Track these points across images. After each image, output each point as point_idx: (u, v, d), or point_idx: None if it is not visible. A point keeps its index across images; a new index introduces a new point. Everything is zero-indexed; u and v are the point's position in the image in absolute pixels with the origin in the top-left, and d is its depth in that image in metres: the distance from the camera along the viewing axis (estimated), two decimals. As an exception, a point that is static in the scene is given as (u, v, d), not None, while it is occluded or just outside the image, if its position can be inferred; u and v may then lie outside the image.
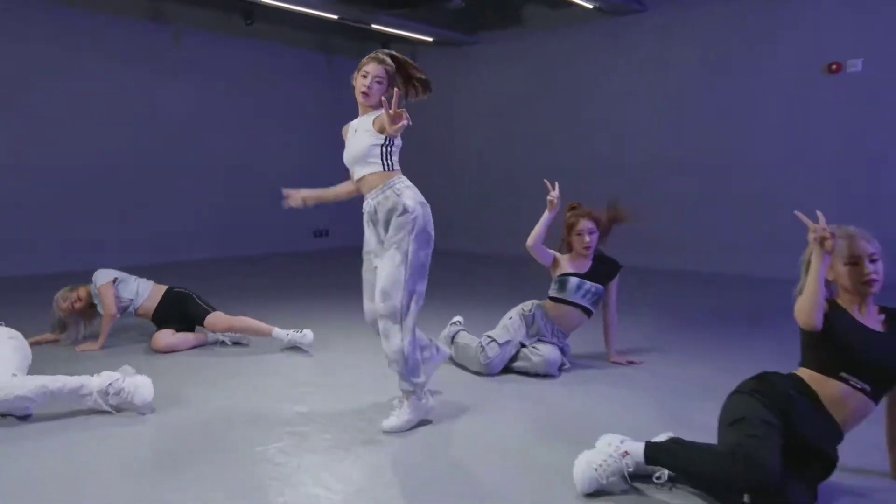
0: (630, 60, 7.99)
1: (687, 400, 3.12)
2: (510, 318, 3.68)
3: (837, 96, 6.70)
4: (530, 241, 3.61)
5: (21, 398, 2.74)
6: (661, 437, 2.32)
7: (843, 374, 2.17)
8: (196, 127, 8.59)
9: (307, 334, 4.10)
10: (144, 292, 4.20)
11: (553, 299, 3.70)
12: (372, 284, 2.81)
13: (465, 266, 8.05)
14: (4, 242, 7.06)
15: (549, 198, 3.55)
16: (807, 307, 2.12)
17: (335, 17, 8.03)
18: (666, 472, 2.20)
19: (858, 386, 2.17)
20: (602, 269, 3.72)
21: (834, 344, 2.18)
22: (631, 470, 2.20)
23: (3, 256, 7.04)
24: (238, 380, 3.50)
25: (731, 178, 7.31)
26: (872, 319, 2.24)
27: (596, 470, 2.18)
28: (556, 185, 3.58)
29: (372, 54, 2.86)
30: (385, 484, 2.29)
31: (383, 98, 2.58)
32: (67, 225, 7.50)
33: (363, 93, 2.80)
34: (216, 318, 4.15)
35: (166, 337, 4.05)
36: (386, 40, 9.41)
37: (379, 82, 2.80)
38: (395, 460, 2.49)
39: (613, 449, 2.23)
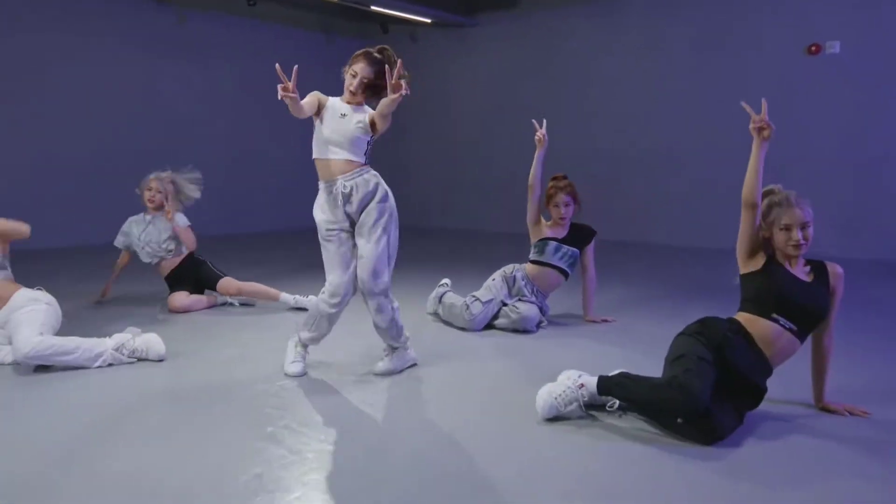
0: (625, 43, 8.19)
1: (649, 351, 3.42)
2: (493, 279, 4.01)
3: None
4: (531, 178, 3.94)
5: (42, 356, 3.03)
6: (613, 373, 2.65)
7: (775, 315, 2.51)
8: (198, 107, 8.84)
9: (313, 300, 4.42)
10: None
11: (533, 262, 4.02)
12: (348, 259, 2.96)
13: (456, 241, 8.41)
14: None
15: (536, 137, 3.89)
16: (747, 182, 2.50)
17: (336, -2, 8.26)
18: (617, 401, 2.54)
19: (787, 326, 2.50)
20: (578, 234, 4.04)
21: (769, 289, 2.51)
22: (586, 399, 2.54)
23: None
24: (247, 333, 3.85)
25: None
26: (800, 271, 2.57)
27: (556, 399, 2.52)
28: (544, 122, 3.92)
29: (362, 52, 2.94)
30: (372, 412, 2.63)
31: (387, 66, 2.81)
32: (69, 209, 7.66)
33: (351, 92, 2.95)
34: (228, 282, 4.50)
35: (182, 298, 4.39)
36: (385, 21, 9.64)
37: (367, 84, 2.93)
38: (383, 395, 2.84)
39: (572, 381, 2.57)
